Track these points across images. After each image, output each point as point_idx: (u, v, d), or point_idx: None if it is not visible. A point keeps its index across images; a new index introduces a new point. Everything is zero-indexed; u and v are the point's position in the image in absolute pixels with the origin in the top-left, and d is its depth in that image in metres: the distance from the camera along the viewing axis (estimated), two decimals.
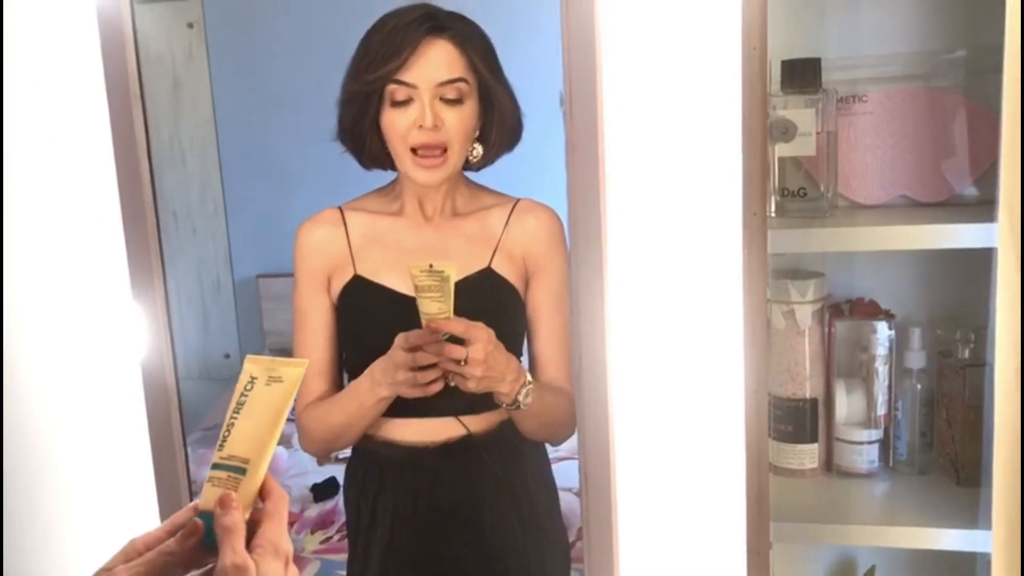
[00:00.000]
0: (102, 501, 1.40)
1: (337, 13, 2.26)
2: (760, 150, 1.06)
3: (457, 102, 1.30)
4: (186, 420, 1.37)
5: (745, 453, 1.13)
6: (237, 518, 0.77)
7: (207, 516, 0.78)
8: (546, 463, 1.46)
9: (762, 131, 1.06)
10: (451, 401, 1.36)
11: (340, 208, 1.43)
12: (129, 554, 0.77)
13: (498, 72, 1.33)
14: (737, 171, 1.07)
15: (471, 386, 1.26)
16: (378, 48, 1.29)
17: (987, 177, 1.24)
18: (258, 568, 0.75)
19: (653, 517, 1.21)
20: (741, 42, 1.04)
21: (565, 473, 1.47)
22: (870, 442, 1.29)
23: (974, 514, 1.17)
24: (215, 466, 0.80)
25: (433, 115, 1.28)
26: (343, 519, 2.01)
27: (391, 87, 1.29)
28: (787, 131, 1.20)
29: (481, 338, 1.24)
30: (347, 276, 1.39)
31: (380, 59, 1.28)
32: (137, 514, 1.37)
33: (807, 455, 1.30)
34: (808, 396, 1.29)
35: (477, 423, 1.38)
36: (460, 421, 1.38)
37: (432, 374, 1.27)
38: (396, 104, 1.30)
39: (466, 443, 1.38)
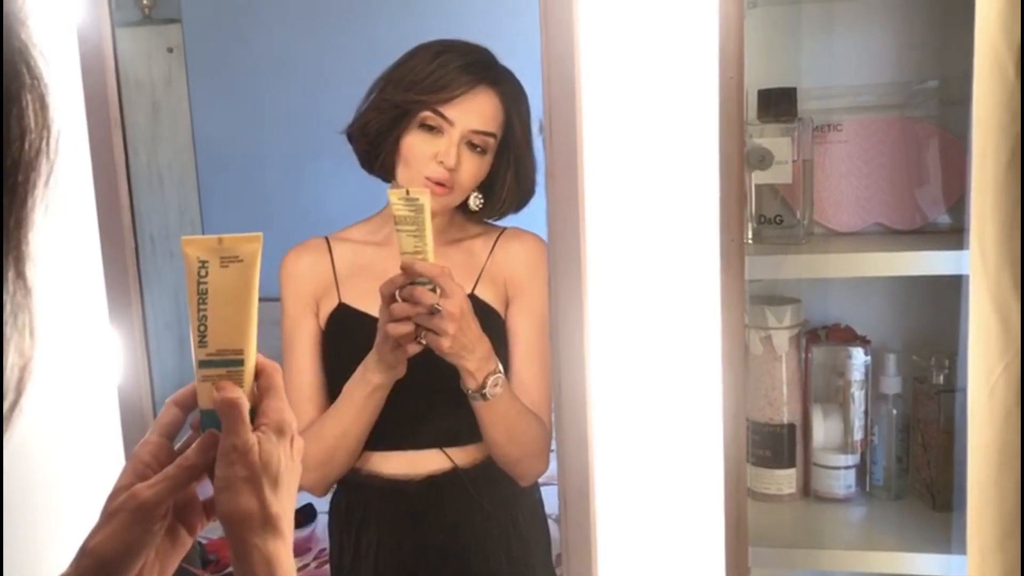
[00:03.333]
0: (76, 524, 1.39)
1: (317, 39, 2.27)
2: (737, 177, 1.07)
3: (480, 152, 1.30)
4: None
5: (723, 478, 1.13)
6: (235, 394, 0.74)
7: (210, 415, 0.76)
8: (538, 499, 1.43)
9: (739, 159, 1.07)
10: (434, 431, 1.35)
11: (326, 237, 1.42)
12: (139, 469, 0.74)
13: (529, 137, 1.33)
14: (714, 198, 1.08)
15: (444, 344, 1.19)
16: (431, 74, 1.28)
17: (960, 205, 1.26)
18: (261, 447, 0.73)
19: (632, 542, 1.21)
20: (718, 71, 1.06)
21: (544, 499, 1.47)
22: (847, 467, 1.30)
23: (949, 539, 1.18)
24: (205, 364, 0.76)
25: (456, 156, 1.28)
26: (320, 546, 2.00)
27: (427, 112, 1.28)
28: (764, 159, 1.22)
29: (457, 294, 1.20)
30: (332, 304, 1.37)
31: (429, 86, 1.28)
32: None
33: (785, 480, 1.30)
34: (785, 421, 1.30)
35: (463, 456, 1.36)
36: (445, 453, 1.36)
37: (406, 326, 1.20)
38: (424, 129, 1.29)
39: (452, 476, 1.35)
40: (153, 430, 0.77)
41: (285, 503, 0.74)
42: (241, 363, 0.76)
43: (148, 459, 0.75)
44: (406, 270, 1.19)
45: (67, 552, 1.39)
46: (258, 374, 0.78)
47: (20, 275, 0.43)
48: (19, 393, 0.44)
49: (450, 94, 1.28)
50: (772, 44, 1.32)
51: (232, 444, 0.72)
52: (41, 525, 1.40)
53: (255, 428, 0.74)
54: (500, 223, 1.41)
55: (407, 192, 1.17)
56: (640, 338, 1.17)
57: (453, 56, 1.29)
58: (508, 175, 1.34)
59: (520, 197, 1.37)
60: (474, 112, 1.29)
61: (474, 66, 1.29)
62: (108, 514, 0.73)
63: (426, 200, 1.17)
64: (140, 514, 0.72)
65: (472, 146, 1.30)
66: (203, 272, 0.76)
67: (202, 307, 0.76)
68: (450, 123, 1.28)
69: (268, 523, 0.72)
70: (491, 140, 1.30)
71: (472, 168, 1.30)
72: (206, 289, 0.76)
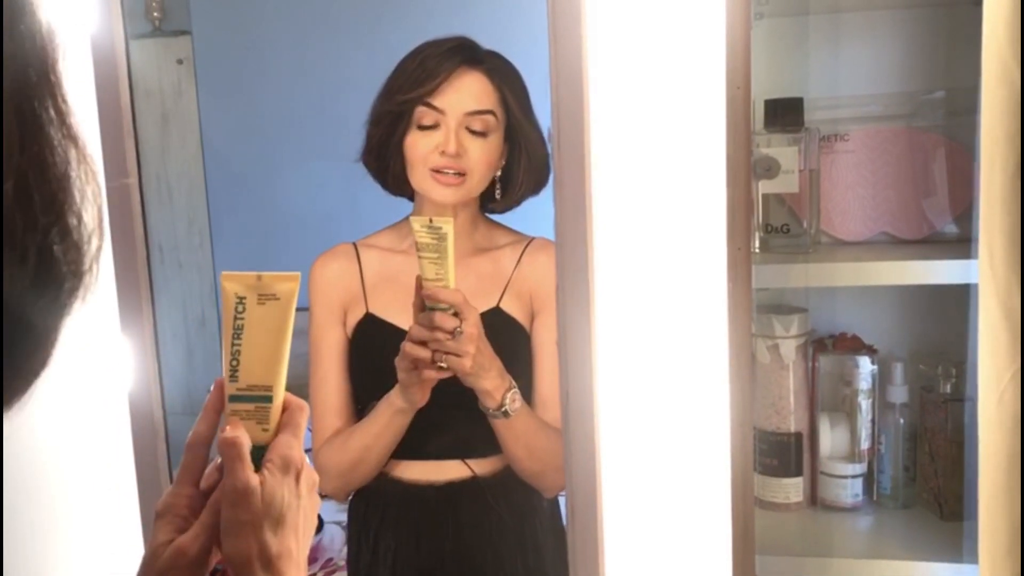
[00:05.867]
0: (87, 534, 1.39)
1: (326, 49, 2.29)
2: (744, 187, 1.08)
3: (482, 134, 1.30)
4: (172, 455, 1.36)
5: (731, 487, 1.13)
6: (234, 434, 0.74)
7: None
8: (556, 510, 1.43)
9: (746, 168, 1.08)
10: (455, 442, 1.35)
11: (354, 244, 1.43)
12: (176, 523, 0.74)
13: (529, 112, 1.34)
14: (722, 207, 1.09)
15: (466, 364, 1.21)
16: (412, 72, 1.30)
17: (966, 215, 1.27)
18: (265, 486, 0.72)
19: (640, 551, 1.21)
20: (725, 82, 1.06)
21: None
22: (854, 476, 1.30)
23: (957, 548, 1.18)
24: (236, 398, 0.77)
25: (457, 143, 1.28)
26: (327, 556, 2.00)
27: (420, 109, 1.30)
28: (770, 169, 1.23)
29: (474, 316, 1.22)
30: (360, 313, 1.38)
31: (413, 82, 1.30)
32: (122, 547, 1.36)
33: (792, 489, 1.30)
34: (792, 430, 1.30)
35: (482, 466, 1.37)
36: (466, 464, 1.37)
37: (424, 351, 1.22)
38: (422, 127, 1.30)
39: (471, 484, 1.37)
40: (180, 479, 0.77)
41: (289, 541, 0.74)
42: (270, 400, 0.77)
43: (185, 512, 0.75)
44: (428, 299, 1.21)
45: (74, 558, 1.40)
46: (284, 408, 0.78)
47: (67, 132, 0.43)
48: (101, 237, 0.45)
49: (434, 83, 1.29)
50: (779, 54, 1.33)
51: (232, 485, 0.72)
52: (49, 531, 1.41)
53: (262, 464, 0.74)
54: (527, 232, 1.41)
55: (430, 220, 1.19)
56: (647, 347, 1.17)
57: (431, 50, 1.31)
58: (523, 158, 1.35)
59: (535, 178, 1.37)
60: (463, 94, 1.30)
61: (452, 51, 1.30)
62: (157, 574, 0.72)
63: (449, 228, 1.18)
64: (192, 569, 0.72)
65: (472, 131, 1.30)
66: (240, 308, 0.77)
67: (236, 342, 0.77)
68: (442, 112, 1.29)
69: (269, 565, 0.72)
70: (490, 118, 1.31)
71: (478, 151, 1.30)
72: (242, 325, 0.77)
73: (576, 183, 1.13)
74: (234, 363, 0.77)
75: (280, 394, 0.78)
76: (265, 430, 0.77)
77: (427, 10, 1.90)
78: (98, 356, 1.35)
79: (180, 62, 2.24)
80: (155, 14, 2.05)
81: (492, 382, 1.25)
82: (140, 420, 1.32)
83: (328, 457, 1.38)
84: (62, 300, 0.43)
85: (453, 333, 1.20)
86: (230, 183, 2.32)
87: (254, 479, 0.73)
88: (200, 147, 2.29)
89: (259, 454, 0.76)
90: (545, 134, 1.18)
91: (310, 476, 0.77)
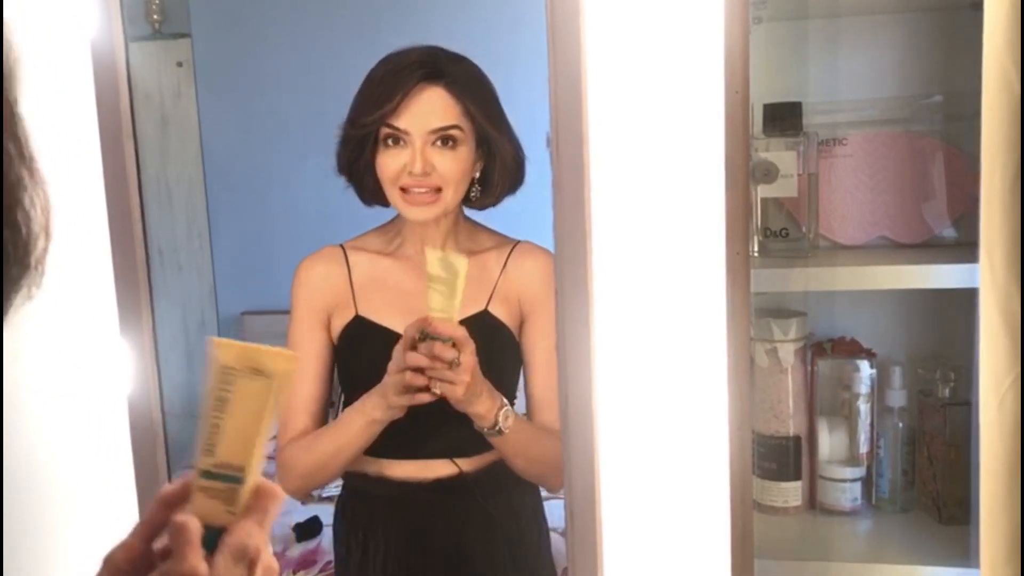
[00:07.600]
0: (85, 538, 1.39)
1: (325, 52, 2.29)
2: (743, 191, 1.08)
3: (450, 147, 1.30)
4: (171, 457, 1.36)
5: (729, 491, 1.13)
6: (184, 518, 0.69)
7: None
8: (540, 505, 1.45)
9: (744, 173, 1.08)
10: (444, 443, 1.36)
11: (342, 246, 1.43)
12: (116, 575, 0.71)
13: (497, 118, 1.34)
14: (720, 212, 1.09)
15: (459, 392, 1.22)
16: (373, 92, 1.30)
17: (965, 219, 1.27)
18: (213, 573, 0.68)
19: (638, 556, 1.21)
20: (724, 86, 1.06)
21: (551, 513, 1.48)
22: (853, 480, 1.30)
23: (956, 552, 1.18)
24: (207, 474, 0.71)
25: (423, 161, 1.28)
26: (326, 559, 2.00)
27: (384, 130, 1.29)
28: (769, 173, 1.23)
29: (471, 347, 1.22)
30: (348, 316, 1.38)
31: (374, 103, 1.29)
32: None
33: (791, 493, 1.31)
34: (791, 434, 1.30)
35: (469, 463, 1.38)
36: (453, 462, 1.37)
37: (421, 379, 1.22)
38: (388, 147, 1.30)
39: (458, 481, 1.37)
40: (134, 532, 0.73)
41: None
42: (241, 481, 0.71)
43: (126, 567, 0.71)
44: (432, 332, 1.21)
45: (72, 562, 1.40)
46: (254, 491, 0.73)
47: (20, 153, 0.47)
48: (48, 239, 0.50)
49: (394, 105, 1.28)
50: (777, 59, 1.33)
51: (178, 571, 0.68)
52: (48, 534, 1.41)
53: (217, 548, 0.70)
54: (513, 236, 1.42)
55: (447, 256, 1.20)
56: (646, 351, 1.17)
57: (391, 67, 1.30)
58: (497, 162, 1.35)
59: (511, 180, 1.37)
60: (423, 112, 1.29)
61: (411, 67, 1.29)
62: None
63: (462, 267, 1.19)
64: None
65: (440, 146, 1.29)
66: (227, 379, 0.71)
67: (216, 414, 0.71)
68: (406, 132, 1.29)
69: None
70: (457, 132, 1.30)
71: (448, 164, 1.30)
72: (226, 398, 0.71)
73: (575, 187, 1.14)
74: (211, 436, 0.71)
75: (252, 476, 0.72)
76: (231, 513, 0.71)
77: (425, 14, 1.90)
78: (97, 358, 1.35)
79: (180, 65, 2.24)
80: (155, 17, 2.05)
81: (483, 405, 1.26)
82: (139, 422, 1.32)
83: (294, 456, 1.37)
84: (6, 287, 0.48)
85: (451, 364, 1.21)
86: (229, 185, 2.33)
87: (202, 568, 0.68)
88: (200, 149, 2.29)
89: (217, 535, 0.71)
90: (544, 139, 1.18)
91: (267, 566, 0.72)
